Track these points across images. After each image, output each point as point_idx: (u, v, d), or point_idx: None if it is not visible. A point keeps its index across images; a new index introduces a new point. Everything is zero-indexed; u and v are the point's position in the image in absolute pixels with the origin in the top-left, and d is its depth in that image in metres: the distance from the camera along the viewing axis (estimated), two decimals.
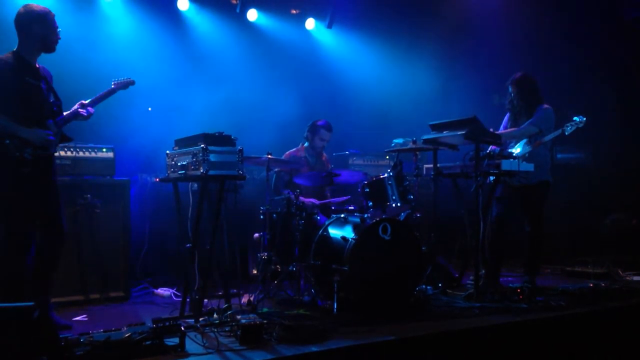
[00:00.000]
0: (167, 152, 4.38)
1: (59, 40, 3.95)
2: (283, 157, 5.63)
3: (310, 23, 7.62)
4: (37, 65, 3.93)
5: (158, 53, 6.50)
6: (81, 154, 4.98)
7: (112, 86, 4.33)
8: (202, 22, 6.97)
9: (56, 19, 3.96)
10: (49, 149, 3.87)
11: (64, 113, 4.06)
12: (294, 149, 5.78)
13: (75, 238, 4.83)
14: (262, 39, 7.28)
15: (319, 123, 5.65)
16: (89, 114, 4.18)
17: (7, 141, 3.63)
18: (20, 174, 3.67)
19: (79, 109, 4.12)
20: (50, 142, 3.83)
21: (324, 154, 5.92)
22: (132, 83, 4.42)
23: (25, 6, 3.85)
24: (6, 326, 2.77)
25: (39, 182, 3.83)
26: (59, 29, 3.93)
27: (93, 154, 5.05)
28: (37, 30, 3.82)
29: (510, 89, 5.16)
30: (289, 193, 4.89)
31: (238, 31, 7.11)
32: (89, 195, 4.90)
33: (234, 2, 7.02)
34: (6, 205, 3.72)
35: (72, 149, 4.93)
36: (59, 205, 3.98)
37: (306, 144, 5.74)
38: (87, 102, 4.19)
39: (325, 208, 5.26)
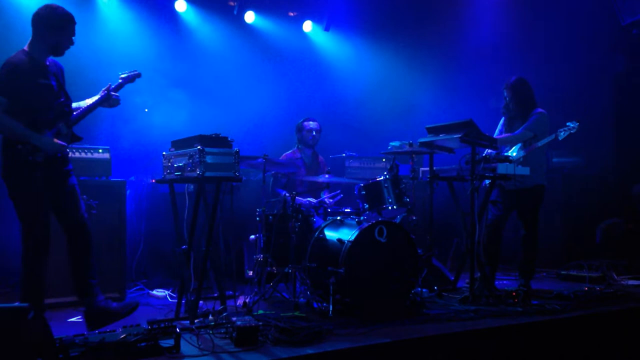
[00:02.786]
0: (164, 153, 4.38)
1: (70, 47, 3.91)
2: (280, 159, 5.64)
3: (307, 25, 7.63)
4: (47, 63, 3.85)
5: (155, 54, 6.49)
6: (77, 154, 4.96)
7: (120, 80, 4.18)
8: (199, 24, 6.97)
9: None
10: (60, 152, 3.86)
11: (79, 105, 4.03)
12: (290, 152, 5.81)
13: None
14: (259, 41, 7.28)
15: (301, 120, 5.79)
16: (116, 101, 4.11)
17: (20, 146, 3.63)
18: (33, 177, 3.69)
19: (110, 93, 4.01)
20: (60, 147, 3.80)
21: (320, 157, 5.93)
22: (139, 75, 4.24)
23: (48, 6, 3.77)
24: (0, 327, 2.76)
25: (54, 183, 3.83)
26: (74, 37, 3.87)
27: (89, 155, 5.03)
28: (54, 34, 3.76)
29: (505, 93, 5.18)
30: (285, 194, 4.90)
31: (235, 33, 7.11)
32: (84, 196, 4.86)
33: (232, 4, 7.02)
34: (23, 207, 3.74)
35: (67, 150, 4.91)
36: (77, 202, 3.94)
37: (300, 146, 5.78)
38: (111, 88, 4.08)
39: (321, 207, 5.26)
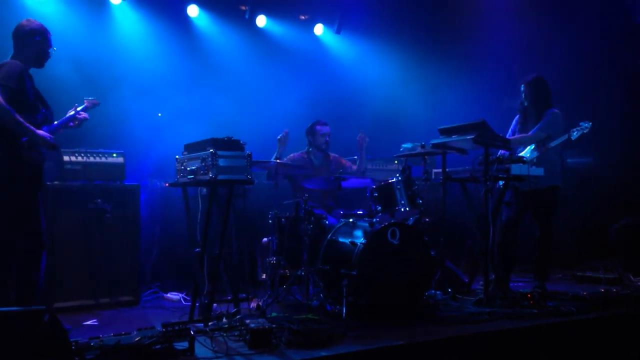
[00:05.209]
0: (177, 157, 4.40)
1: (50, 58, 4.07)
2: (286, 159, 5.65)
3: (318, 29, 7.65)
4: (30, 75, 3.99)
5: (168, 59, 6.55)
6: (92, 159, 5.02)
7: (85, 104, 4.37)
8: (211, 28, 7.02)
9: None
10: (45, 154, 3.88)
11: (55, 122, 4.13)
12: (298, 153, 5.81)
13: (85, 242, 4.88)
14: (271, 45, 7.31)
15: (313, 123, 5.77)
16: (84, 119, 4.28)
17: (25, 139, 3.70)
18: (23, 178, 3.72)
19: (77, 115, 4.22)
20: (52, 144, 3.87)
21: (331, 155, 5.91)
22: (98, 104, 4.46)
23: (28, 20, 3.99)
24: (17, 330, 2.79)
25: (34, 185, 3.83)
26: (54, 48, 4.05)
27: (103, 159, 5.09)
28: (37, 44, 3.94)
29: (522, 88, 5.14)
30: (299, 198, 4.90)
31: (247, 37, 7.15)
32: (99, 200, 4.93)
33: (243, 8, 7.07)
34: (27, 208, 3.77)
35: (82, 154, 4.98)
36: (41, 212, 3.92)
37: (310, 149, 5.79)
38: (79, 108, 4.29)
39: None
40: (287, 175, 5.59)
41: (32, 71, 3.98)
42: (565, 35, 7.39)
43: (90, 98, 4.40)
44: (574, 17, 7.26)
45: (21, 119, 3.67)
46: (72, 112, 4.25)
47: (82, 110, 4.30)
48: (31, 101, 3.86)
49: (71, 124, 4.23)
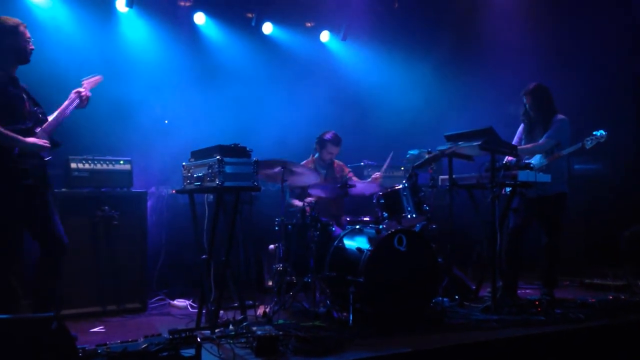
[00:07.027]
0: (184, 163, 4.42)
1: (33, 51, 3.88)
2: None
3: (324, 35, 7.67)
4: (15, 76, 3.84)
5: (174, 66, 6.58)
6: (99, 166, 5.04)
7: (83, 84, 4.11)
8: (218, 36, 7.05)
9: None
10: (45, 157, 3.81)
11: (49, 117, 3.97)
12: (304, 162, 5.79)
13: (92, 249, 4.89)
14: (277, 52, 7.34)
15: (326, 137, 5.68)
16: (87, 97, 4.05)
17: (16, 151, 3.61)
18: (22, 186, 3.65)
19: (76, 99, 3.99)
20: (46, 149, 3.79)
21: (336, 161, 5.90)
22: (100, 79, 4.19)
23: None
24: (25, 337, 2.79)
25: (38, 192, 3.78)
26: (31, 39, 3.87)
27: (110, 166, 5.10)
28: (10, 43, 3.78)
29: (524, 100, 5.14)
30: (304, 203, 4.89)
31: (253, 44, 7.18)
32: (106, 207, 4.95)
33: (250, 15, 7.10)
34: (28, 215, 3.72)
35: (90, 162, 5.00)
36: (54, 215, 3.88)
37: (316, 155, 5.78)
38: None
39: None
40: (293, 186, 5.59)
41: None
42: (575, 43, 7.37)
43: (88, 78, 4.11)
44: (585, 24, 7.25)
45: (7, 132, 3.58)
46: (72, 97, 4.00)
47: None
48: (16, 107, 3.72)
49: (71, 108, 3.98)
